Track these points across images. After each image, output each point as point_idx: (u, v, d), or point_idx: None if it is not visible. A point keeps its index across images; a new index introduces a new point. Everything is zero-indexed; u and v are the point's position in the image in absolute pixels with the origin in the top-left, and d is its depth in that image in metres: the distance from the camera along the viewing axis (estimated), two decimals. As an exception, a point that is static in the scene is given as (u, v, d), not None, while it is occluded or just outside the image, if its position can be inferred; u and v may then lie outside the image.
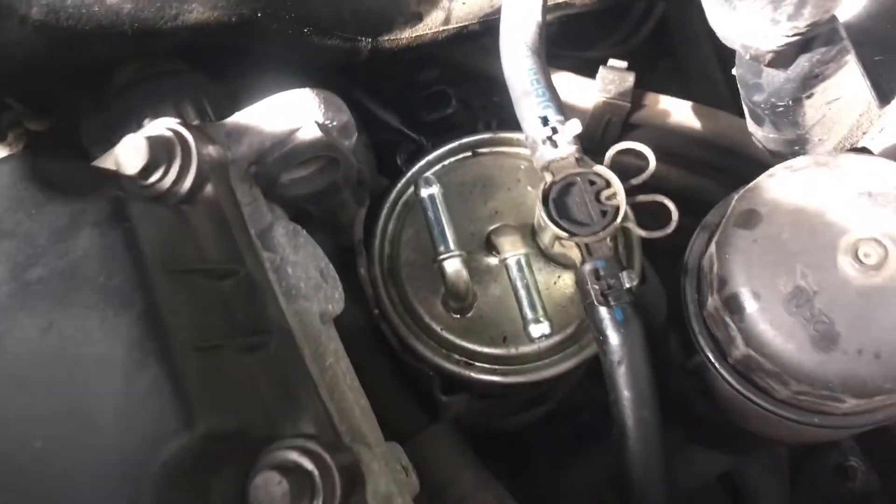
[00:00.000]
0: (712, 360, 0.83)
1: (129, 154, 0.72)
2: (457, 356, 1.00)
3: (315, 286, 0.82)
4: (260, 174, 0.84)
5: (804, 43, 0.81)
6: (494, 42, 1.02)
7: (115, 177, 0.73)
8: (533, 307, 0.99)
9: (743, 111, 1.00)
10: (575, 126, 0.93)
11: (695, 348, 0.85)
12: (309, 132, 0.83)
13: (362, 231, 1.04)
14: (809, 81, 0.85)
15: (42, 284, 0.63)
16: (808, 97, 0.87)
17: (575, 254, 0.92)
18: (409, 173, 1.11)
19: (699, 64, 1.46)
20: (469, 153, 1.13)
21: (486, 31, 1.15)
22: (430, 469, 0.93)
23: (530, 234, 1.04)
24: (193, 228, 0.73)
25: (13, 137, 1.20)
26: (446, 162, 1.12)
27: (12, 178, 0.68)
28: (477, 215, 1.07)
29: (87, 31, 0.83)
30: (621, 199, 0.90)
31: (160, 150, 0.73)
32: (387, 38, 1.09)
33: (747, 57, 0.86)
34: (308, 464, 0.59)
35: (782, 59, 0.84)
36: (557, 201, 0.91)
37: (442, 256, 0.99)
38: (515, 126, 1.01)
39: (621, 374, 0.84)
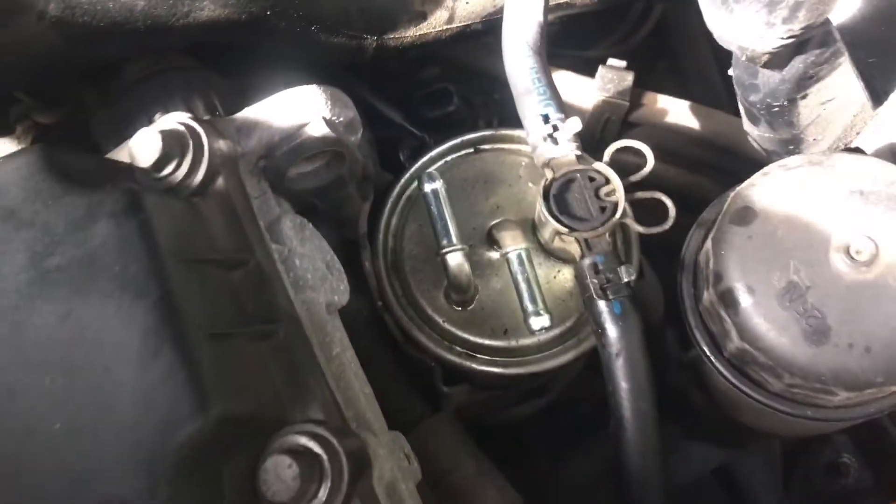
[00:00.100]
0: (708, 353, 0.83)
1: (143, 147, 0.73)
2: (458, 348, 1.01)
3: (321, 277, 0.83)
4: (268, 168, 0.85)
5: (799, 45, 0.82)
6: (496, 41, 1.02)
7: (129, 169, 0.75)
8: (533, 300, 0.99)
9: (739, 111, 1.01)
10: (575, 124, 0.94)
11: (691, 342, 0.85)
12: (316, 128, 0.84)
13: (366, 225, 1.05)
14: (804, 82, 0.86)
15: (61, 272, 0.64)
16: (803, 98, 0.88)
17: (574, 249, 0.93)
18: (413, 169, 1.11)
19: (697, 64, 1.47)
20: (471, 150, 1.13)
21: (488, 30, 1.15)
22: (431, 458, 0.93)
23: (531, 229, 1.05)
24: (205, 220, 0.74)
25: (21, 130, 1.21)
26: (448, 158, 1.13)
27: (30, 169, 0.69)
28: (479, 210, 1.07)
29: (101, 27, 0.84)
30: (620, 195, 0.91)
31: (173, 144, 0.74)
32: (392, 36, 1.10)
33: (744, 58, 0.86)
34: (317, 448, 0.60)
35: (778, 60, 0.84)
36: (558, 197, 0.92)
37: (445, 250, 0.99)
38: (516, 123, 1.02)
39: (619, 366, 0.85)
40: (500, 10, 1.08)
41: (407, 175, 1.11)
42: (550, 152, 0.94)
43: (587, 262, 0.89)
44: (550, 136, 0.95)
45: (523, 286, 1.01)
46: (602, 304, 0.86)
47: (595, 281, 0.87)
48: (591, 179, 0.92)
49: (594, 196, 0.92)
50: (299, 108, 0.85)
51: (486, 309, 1.02)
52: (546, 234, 1.00)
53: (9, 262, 0.65)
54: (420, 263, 1.05)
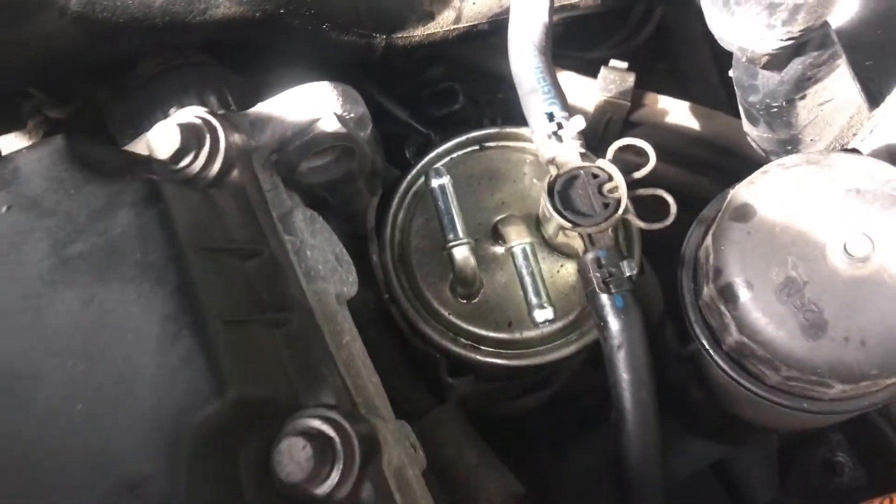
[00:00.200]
0: (707, 347, 0.84)
1: (161, 139, 0.74)
2: (463, 340, 1.02)
3: (331, 269, 0.83)
4: (280, 162, 0.86)
5: (798, 47, 0.83)
6: (502, 41, 1.03)
7: (148, 161, 0.76)
8: (537, 293, 1.00)
9: (738, 111, 1.02)
10: (579, 122, 0.95)
11: (690, 338, 0.86)
12: (328, 123, 0.85)
13: (374, 219, 1.06)
14: (802, 84, 0.87)
15: (82, 260, 0.65)
16: (801, 99, 0.89)
17: (578, 243, 0.94)
18: (420, 165, 1.12)
19: (696, 66, 1.48)
20: (476, 147, 1.14)
21: (494, 30, 1.16)
22: (435, 447, 0.94)
23: (535, 224, 1.05)
24: (221, 211, 0.75)
25: (33, 125, 1.22)
26: (454, 155, 1.13)
27: (53, 159, 0.69)
28: (484, 206, 1.08)
29: (120, 22, 0.85)
30: (622, 192, 0.92)
31: (190, 137, 0.75)
32: (400, 35, 1.11)
33: (743, 59, 0.87)
34: (330, 431, 0.61)
35: (777, 61, 0.86)
36: (562, 193, 0.93)
37: (451, 244, 1.00)
38: (520, 122, 1.03)
39: (621, 358, 0.85)
40: (506, 11, 1.09)
41: (414, 171, 1.11)
42: (555, 149, 0.96)
43: (590, 256, 0.90)
44: (555, 133, 0.96)
45: (527, 280, 1.02)
46: (605, 298, 0.87)
47: (598, 275, 0.88)
48: (595, 176, 0.93)
49: (597, 192, 0.93)
50: (311, 104, 0.86)
51: (490, 302, 1.03)
52: (550, 229, 1.01)
53: (32, 250, 0.66)
54: (426, 257, 1.06)
